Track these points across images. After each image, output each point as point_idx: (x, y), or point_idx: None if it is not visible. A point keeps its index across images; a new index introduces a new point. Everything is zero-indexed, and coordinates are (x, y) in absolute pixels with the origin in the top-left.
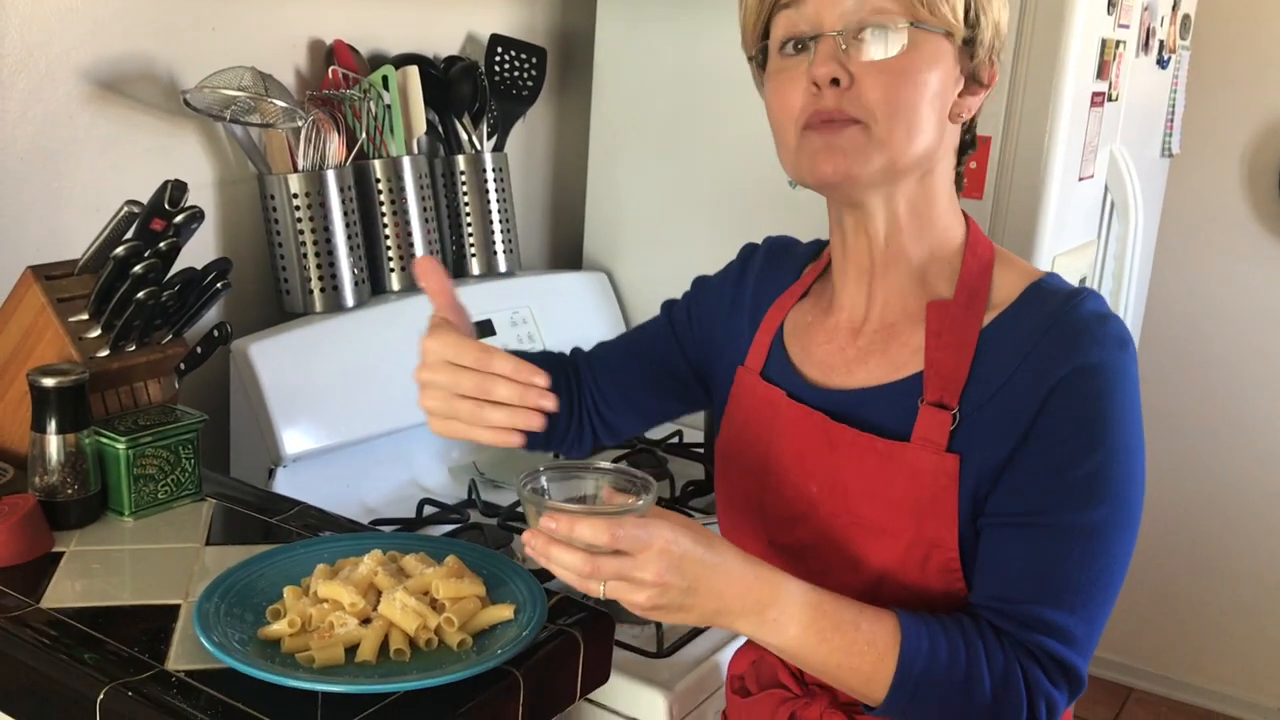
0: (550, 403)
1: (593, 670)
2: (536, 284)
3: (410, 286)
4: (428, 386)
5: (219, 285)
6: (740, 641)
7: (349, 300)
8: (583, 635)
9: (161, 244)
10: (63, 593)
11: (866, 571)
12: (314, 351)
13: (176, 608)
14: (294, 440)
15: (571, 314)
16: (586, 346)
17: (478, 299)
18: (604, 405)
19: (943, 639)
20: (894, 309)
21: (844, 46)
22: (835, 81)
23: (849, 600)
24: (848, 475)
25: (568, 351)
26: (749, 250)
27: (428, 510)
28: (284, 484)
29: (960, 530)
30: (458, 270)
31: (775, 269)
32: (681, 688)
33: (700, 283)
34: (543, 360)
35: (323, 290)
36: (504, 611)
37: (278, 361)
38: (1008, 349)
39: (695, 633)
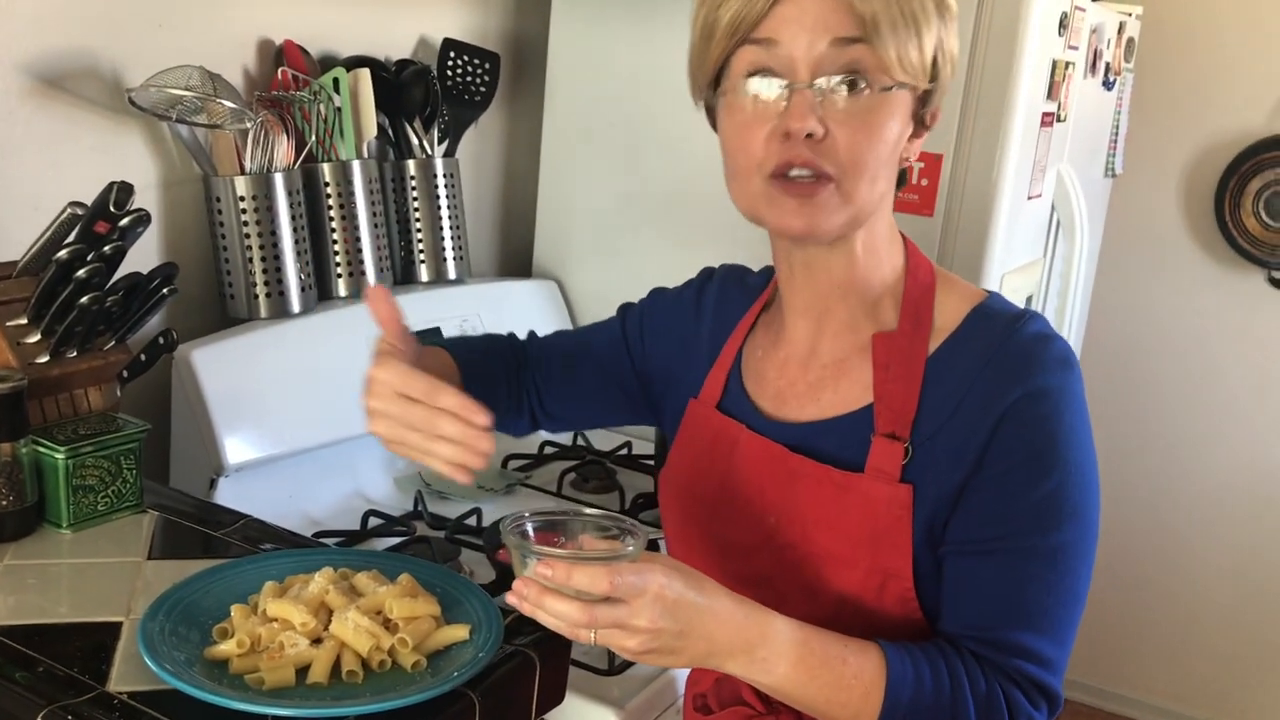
0: (487, 444)
1: (548, 691)
2: (486, 291)
3: (358, 293)
4: (377, 415)
5: (165, 291)
6: None
7: (295, 306)
8: (539, 656)
9: (106, 247)
10: None
11: (824, 600)
12: (258, 358)
13: (118, 625)
14: (236, 449)
15: (521, 322)
16: None
17: (426, 306)
18: (546, 394)
19: (926, 667)
20: (843, 342)
21: (820, 98)
22: (809, 135)
23: (834, 634)
24: (805, 506)
25: (522, 336)
26: (705, 277)
27: (373, 522)
28: (225, 494)
29: (916, 559)
30: (406, 276)
31: (729, 302)
32: (633, 706)
33: (657, 297)
34: (485, 347)
35: (268, 295)
36: (459, 632)
37: (221, 368)
38: (955, 376)
39: None
